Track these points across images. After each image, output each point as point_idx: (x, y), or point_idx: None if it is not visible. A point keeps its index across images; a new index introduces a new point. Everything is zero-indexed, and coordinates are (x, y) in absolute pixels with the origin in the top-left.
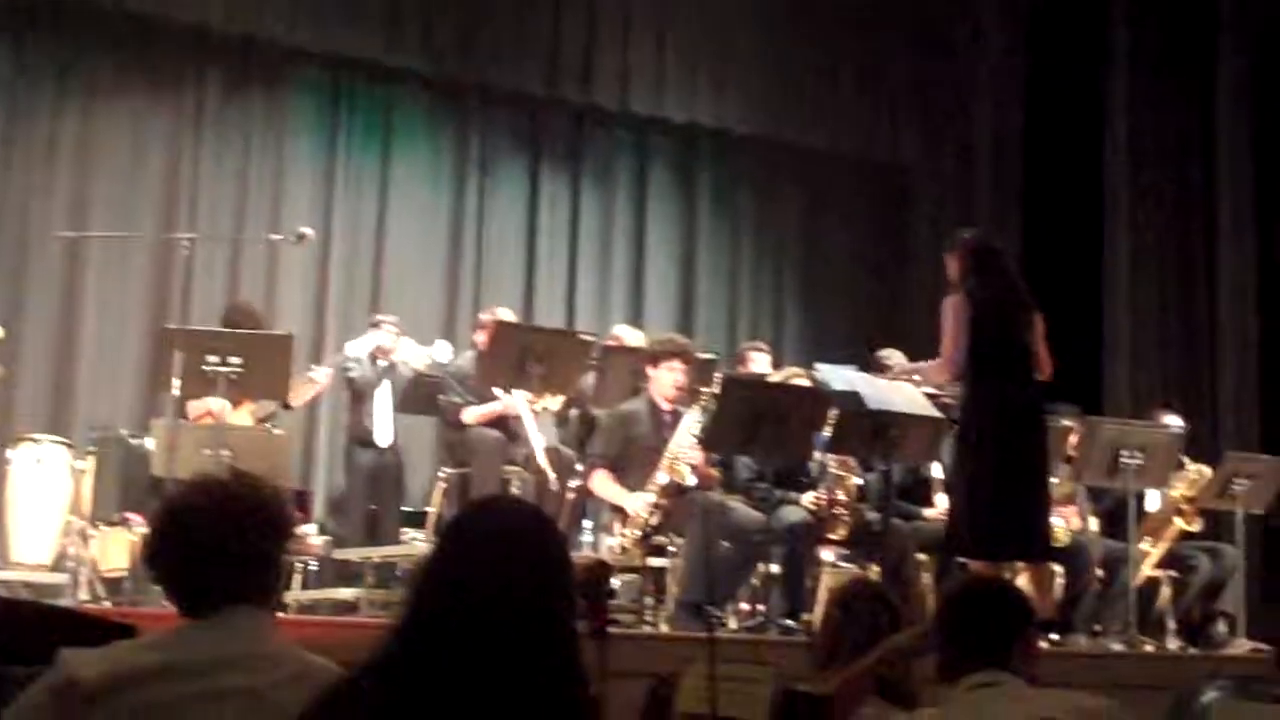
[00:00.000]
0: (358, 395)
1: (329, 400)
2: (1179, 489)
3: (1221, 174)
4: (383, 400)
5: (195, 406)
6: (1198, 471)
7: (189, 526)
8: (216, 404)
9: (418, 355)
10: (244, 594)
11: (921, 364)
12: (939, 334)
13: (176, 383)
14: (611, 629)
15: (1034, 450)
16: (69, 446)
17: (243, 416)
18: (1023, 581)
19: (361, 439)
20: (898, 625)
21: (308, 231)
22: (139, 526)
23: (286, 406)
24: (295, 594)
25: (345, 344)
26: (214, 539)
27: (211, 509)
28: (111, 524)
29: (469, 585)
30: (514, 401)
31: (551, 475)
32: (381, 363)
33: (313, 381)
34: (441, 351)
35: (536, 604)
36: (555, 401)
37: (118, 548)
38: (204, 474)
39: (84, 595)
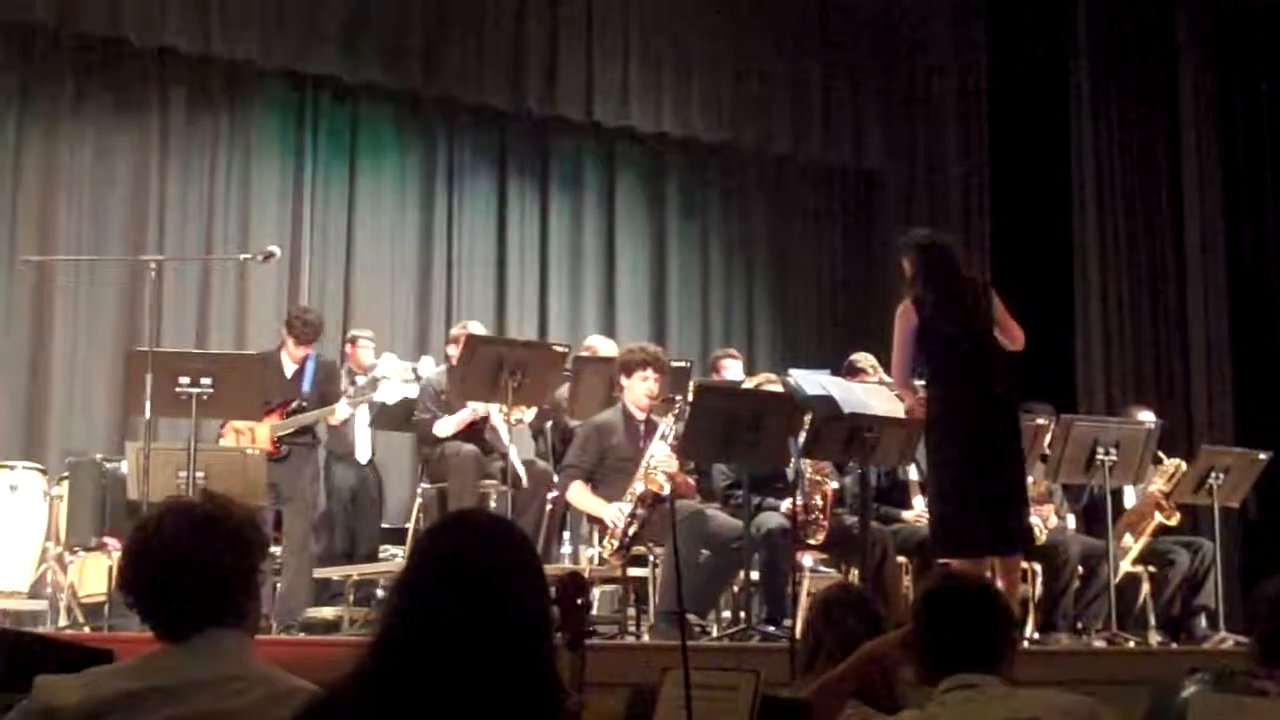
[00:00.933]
0: None
1: None
2: (1157, 483)
3: (1188, 170)
4: (362, 417)
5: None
6: (1174, 465)
7: (162, 550)
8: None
9: (401, 369)
10: (220, 616)
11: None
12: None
13: (149, 405)
14: (589, 640)
15: (1002, 441)
16: (43, 472)
17: (263, 431)
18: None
19: (341, 455)
20: (880, 630)
21: (274, 250)
22: (116, 551)
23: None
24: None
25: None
26: (187, 562)
27: (184, 532)
28: (89, 549)
29: (441, 600)
30: (481, 406)
31: (523, 474)
32: (361, 379)
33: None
34: (427, 367)
35: (510, 617)
36: (529, 413)
37: (96, 573)
38: (176, 496)
39: (63, 621)
